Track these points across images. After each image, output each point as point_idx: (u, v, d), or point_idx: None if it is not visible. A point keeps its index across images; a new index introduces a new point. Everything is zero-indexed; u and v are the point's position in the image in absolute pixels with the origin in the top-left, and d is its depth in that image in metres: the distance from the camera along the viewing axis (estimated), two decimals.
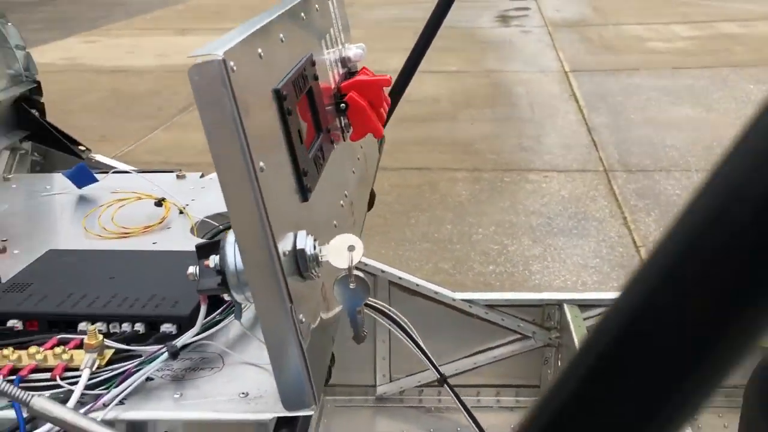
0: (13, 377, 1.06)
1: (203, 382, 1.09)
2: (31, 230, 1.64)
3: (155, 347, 1.10)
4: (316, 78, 1.28)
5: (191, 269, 1.04)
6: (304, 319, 0.98)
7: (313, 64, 1.28)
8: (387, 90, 1.50)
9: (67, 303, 1.20)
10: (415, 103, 7.72)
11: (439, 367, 2.71)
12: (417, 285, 2.60)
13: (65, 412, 0.88)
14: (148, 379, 1.10)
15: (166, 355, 1.08)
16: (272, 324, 0.96)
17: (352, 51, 1.57)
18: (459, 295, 2.61)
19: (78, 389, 1.03)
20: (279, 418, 1.00)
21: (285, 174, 1.03)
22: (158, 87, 9.19)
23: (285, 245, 0.97)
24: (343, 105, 1.44)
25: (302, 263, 1.00)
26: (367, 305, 1.63)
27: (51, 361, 1.09)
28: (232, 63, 0.88)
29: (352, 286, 1.03)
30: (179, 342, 1.10)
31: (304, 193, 1.09)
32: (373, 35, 11.11)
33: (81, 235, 1.56)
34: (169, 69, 9.95)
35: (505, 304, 2.65)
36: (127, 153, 6.48)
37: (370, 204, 1.79)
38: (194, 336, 1.10)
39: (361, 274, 1.03)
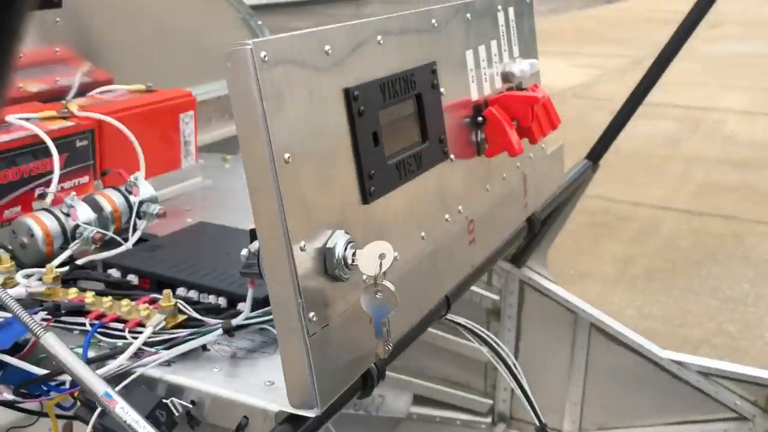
0: (96, 321, 1.18)
1: (248, 363, 1.12)
2: (220, 205, 1.80)
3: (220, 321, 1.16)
4: (434, 86, 1.25)
5: (244, 251, 1.08)
6: (315, 318, 0.96)
7: (433, 71, 1.25)
8: (535, 106, 1.41)
9: (175, 269, 1.31)
10: (740, 146, 7.10)
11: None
12: (621, 333, 2.40)
13: (67, 355, 0.96)
14: (205, 349, 1.16)
15: (220, 330, 1.13)
16: (281, 317, 0.96)
17: (517, 66, 1.51)
18: (668, 354, 2.37)
19: (136, 343, 1.12)
20: (286, 414, 0.99)
21: (335, 171, 1.02)
22: None
23: (312, 241, 0.97)
24: (480, 119, 1.38)
25: (330, 262, 0.99)
26: (469, 331, 1.55)
27: (134, 315, 1.19)
28: (264, 53, 0.90)
29: (378, 296, 0.99)
30: (235, 321, 1.14)
31: (366, 195, 1.07)
32: (708, 70, 10.39)
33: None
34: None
35: (724, 375, 2.35)
36: None
37: (531, 230, 1.69)
38: (246, 318, 1.13)
39: (389, 285, 0.99)
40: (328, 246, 0.99)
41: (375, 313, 1.00)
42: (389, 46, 1.14)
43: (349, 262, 1.00)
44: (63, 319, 1.22)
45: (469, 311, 2.55)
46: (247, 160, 0.92)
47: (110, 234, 1.44)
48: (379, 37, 1.12)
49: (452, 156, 1.31)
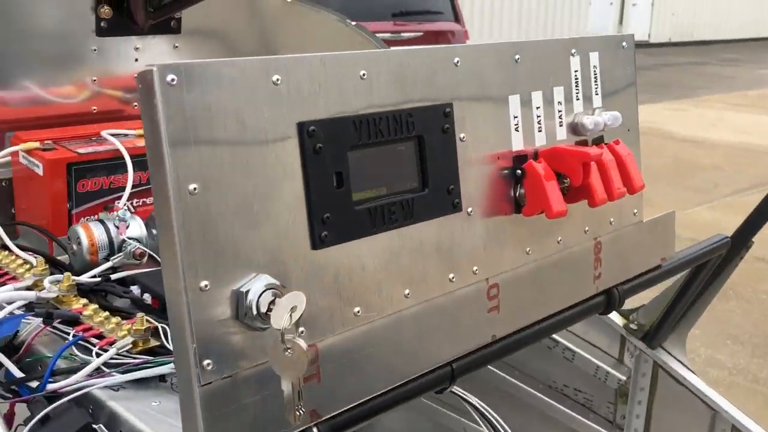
0: (78, 334, 1.19)
1: None
2: None
3: None
4: (446, 131, 1.12)
5: None
6: (211, 367, 0.89)
7: (446, 114, 1.12)
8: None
9: None
10: None
11: None
12: None
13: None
14: (163, 380, 1.12)
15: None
16: (178, 361, 0.90)
17: (590, 118, 1.32)
18: None
19: (94, 362, 1.12)
20: None
21: (271, 210, 0.94)
22: (723, 163, 8.81)
23: (222, 281, 0.90)
24: (519, 172, 1.23)
25: (240, 308, 0.91)
26: (480, 414, 1.35)
27: (113, 334, 1.19)
28: (172, 77, 0.85)
29: (288, 354, 0.89)
30: None
31: (315, 240, 0.98)
32: None
33: None
34: (744, 147, 9.46)
35: None
36: None
37: (609, 307, 1.47)
38: None
39: (301, 343, 0.89)
40: (241, 290, 0.91)
41: (281, 372, 0.90)
42: (377, 82, 1.04)
43: (263, 310, 0.91)
44: (58, 327, 1.24)
45: (593, 388, 2.30)
46: (154, 188, 0.88)
47: (149, 251, 1.46)
48: (362, 72, 1.02)
49: (469, 209, 1.17)
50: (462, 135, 1.15)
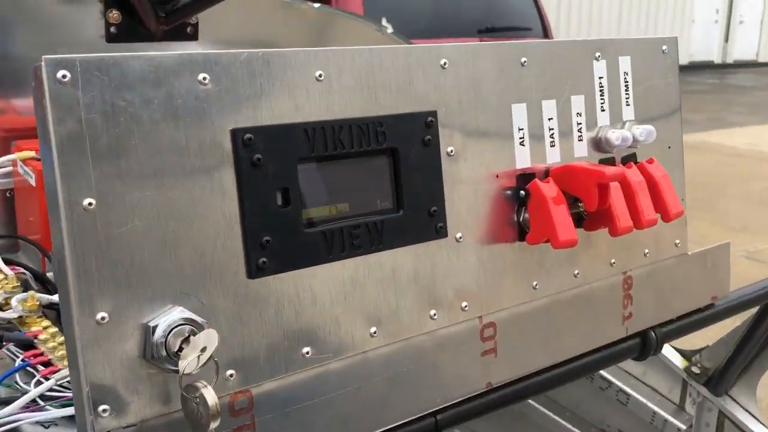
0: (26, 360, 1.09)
1: None
2: None
3: None
4: (428, 143, 0.96)
5: None
6: (108, 413, 0.75)
7: (429, 124, 0.96)
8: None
9: None
10: None
11: None
12: None
13: None
14: None
15: None
16: (75, 402, 0.77)
17: (617, 133, 1.13)
18: None
19: (29, 394, 1.00)
20: None
21: (192, 231, 0.80)
22: None
23: (125, 314, 0.76)
24: (522, 193, 1.05)
25: (147, 346, 0.77)
26: None
27: (63, 362, 1.08)
28: (64, 73, 0.72)
29: (195, 404, 0.75)
30: None
31: (251, 269, 0.83)
32: None
33: None
34: None
35: None
36: (760, 250, 5.97)
37: (644, 352, 1.27)
38: None
39: (208, 394, 0.74)
40: (149, 324, 0.77)
41: (190, 427, 0.76)
42: (337, 84, 0.89)
43: (174, 349, 0.77)
44: (12, 349, 1.14)
45: None
46: (48, 202, 0.75)
47: None
48: (318, 73, 0.88)
49: (458, 235, 1.00)
50: (450, 149, 0.99)
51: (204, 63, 0.80)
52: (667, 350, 1.98)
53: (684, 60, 18.16)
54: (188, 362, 0.74)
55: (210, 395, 0.73)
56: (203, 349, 0.75)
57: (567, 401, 2.24)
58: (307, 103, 0.87)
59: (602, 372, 2.10)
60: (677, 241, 1.28)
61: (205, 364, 0.75)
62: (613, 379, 2.10)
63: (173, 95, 0.78)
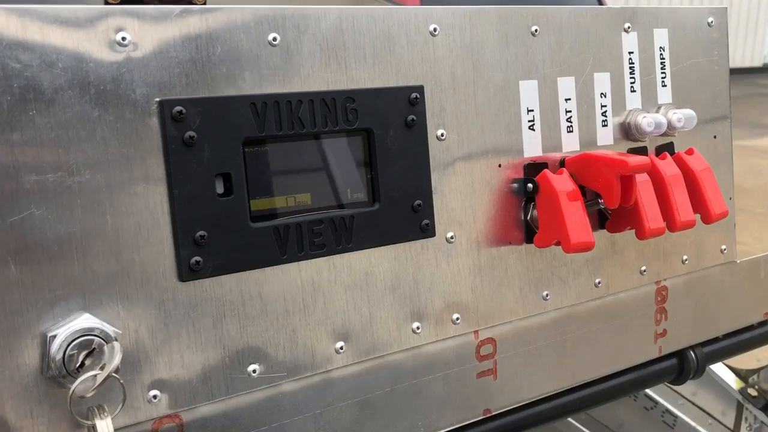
0: None
1: None
2: None
3: None
4: (411, 124, 0.81)
5: None
6: None
7: (414, 102, 0.80)
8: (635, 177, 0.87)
9: None
10: None
11: None
12: None
13: None
14: None
15: None
16: None
17: (648, 118, 0.96)
18: None
19: None
20: None
21: (102, 225, 0.66)
22: None
23: (22, 324, 0.63)
24: (530, 186, 0.89)
25: (45, 359, 0.64)
26: None
27: None
28: None
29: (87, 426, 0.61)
30: None
31: (183, 269, 0.69)
32: None
33: None
34: None
35: None
36: None
37: (682, 375, 1.09)
38: None
39: (102, 425, 0.61)
40: (48, 333, 0.64)
41: None
42: (296, 50, 0.75)
43: (75, 365, 0.64)
44: None
45: None
46: None
47: None
48: (272, 36, 0.73)
49: (449, 234, 0.85)
50: (440, 132, 0.83)
51: (124, 17, 0.67)
52: (720, 369, 1.78)
53: (758, 61, 17.47)
54: (81, 381, 0.60)
55: (104, 427, 0.60)
56: (102, 367, 0.61)
57: (609, 420, 2.05)
58: (257, 72, 0.73)
59: (648, 390, 1.91)
60: (723, 247, 1.09)
61: (102, 383, 0.61)
62: (660, 399, 1.90)
63: (83, 58, 0.65)
